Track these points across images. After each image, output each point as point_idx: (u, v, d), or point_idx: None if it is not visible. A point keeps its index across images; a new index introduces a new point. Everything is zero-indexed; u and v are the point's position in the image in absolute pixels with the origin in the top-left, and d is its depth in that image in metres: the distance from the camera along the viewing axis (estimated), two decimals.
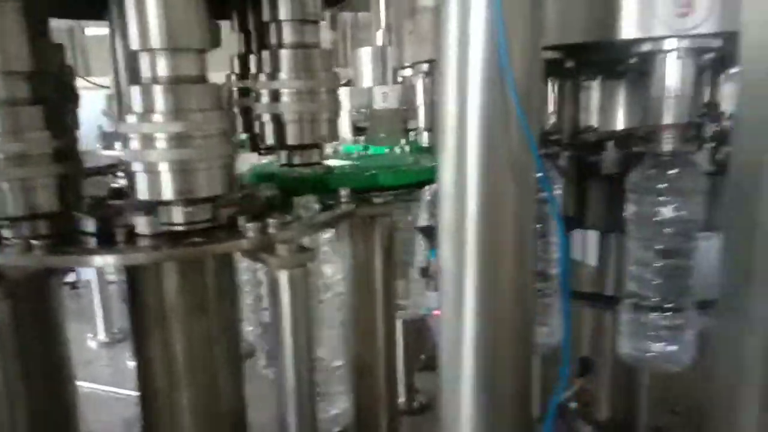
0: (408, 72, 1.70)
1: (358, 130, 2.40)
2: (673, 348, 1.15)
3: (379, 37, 2.61)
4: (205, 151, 0.85)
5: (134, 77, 0.89)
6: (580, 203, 1.28)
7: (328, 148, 1.72)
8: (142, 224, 0.87)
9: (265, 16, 1.07)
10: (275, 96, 1.09)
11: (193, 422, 1.02)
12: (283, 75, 1.08)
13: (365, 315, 1.23)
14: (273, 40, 1.08)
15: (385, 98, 2.26)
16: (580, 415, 1.56)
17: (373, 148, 1.84)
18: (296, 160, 1.16)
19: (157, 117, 0.82)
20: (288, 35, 1.07)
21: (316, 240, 1.18)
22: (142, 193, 0.86)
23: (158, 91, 0.82)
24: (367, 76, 2.57)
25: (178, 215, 0.88)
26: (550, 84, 1.30)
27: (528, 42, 0.71)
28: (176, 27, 0.81)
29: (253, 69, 1.14)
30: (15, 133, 0.83)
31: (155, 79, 0.83)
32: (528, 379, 0.84)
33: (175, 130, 0.82)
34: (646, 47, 0.94)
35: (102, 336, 3.08)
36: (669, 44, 0.92)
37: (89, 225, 0.88)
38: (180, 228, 0.88)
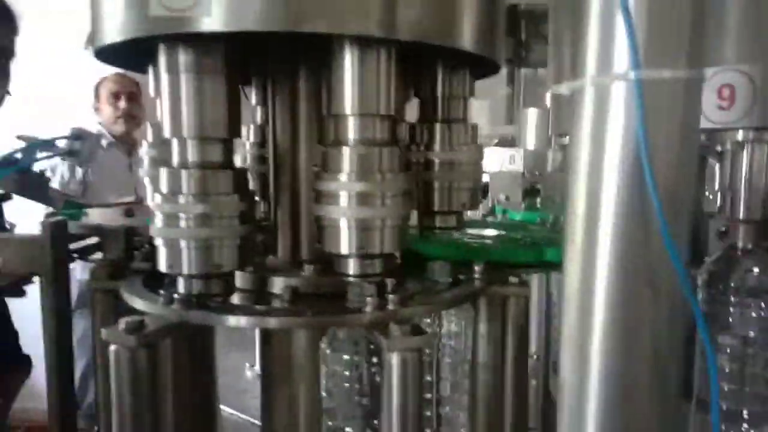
0: (567, 140, 1.60)
1: (529, 193, 2.32)
2: None
3: (548, 99, 2.51)
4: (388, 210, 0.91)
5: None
6: None
7: None
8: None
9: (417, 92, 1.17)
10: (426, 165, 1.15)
11: None
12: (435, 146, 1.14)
13: (493, 403, 1.14)
14: (428, 115, 1.16)
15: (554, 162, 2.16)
16: None
17: (523, 214, 1.74)
18: (437, 223, 1.19)
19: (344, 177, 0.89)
20: (439, 111, 1.14)
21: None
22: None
23: (348, 153, 0.89)
24: (530, 138, 2.48)
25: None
26: None
27: (677, 135, 0.61)
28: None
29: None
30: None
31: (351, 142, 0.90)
32: None
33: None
34: None
35: (258, 367, 3.29)
36: None
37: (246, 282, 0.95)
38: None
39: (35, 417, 3.42)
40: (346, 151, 0.89)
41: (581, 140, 0.65)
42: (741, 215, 0.98)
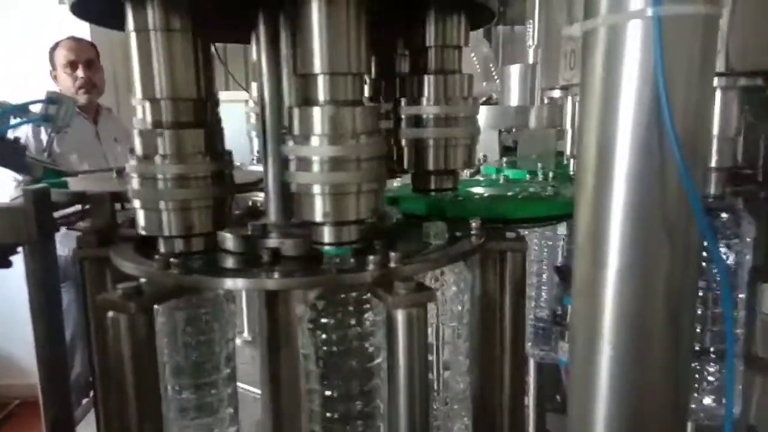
0: (557, 93, 1.59)
1: (506, 150, 2.32)
2: None
3: (531, 55, 2.49)
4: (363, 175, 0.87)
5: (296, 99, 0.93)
6: None
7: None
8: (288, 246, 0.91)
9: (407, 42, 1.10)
10: (416, 121, 1.09)
11: None
12: (424, 101, 1.08)
13: (490, 356, 1.15)
14: (414, 65, 1.09)
15: (538, 119, 2.15)
16: None
17: (513, 172, 1.73)
18: (432, 185, 1.15)
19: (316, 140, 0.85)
20: (431, 62, 1.07)
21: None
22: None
23: (318, 114, 0.85)
24: (514, 95, 2.46)
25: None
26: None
27: (696, 74, 0.59)
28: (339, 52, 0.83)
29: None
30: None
31: (316, 102, 0.85)
32: None
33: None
34: None
35: (246, 334, 3.28)
36: None
37: (233, 245, 0.92)
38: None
39: (22, 393, 3.40)
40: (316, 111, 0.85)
41: (594, 83, 0.63)
42: (713, 163, 0.98)
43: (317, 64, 0.84)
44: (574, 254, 0.70)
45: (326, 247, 0.92)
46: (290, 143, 0.88)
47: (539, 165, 1.63)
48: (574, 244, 0.70)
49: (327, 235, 0.91)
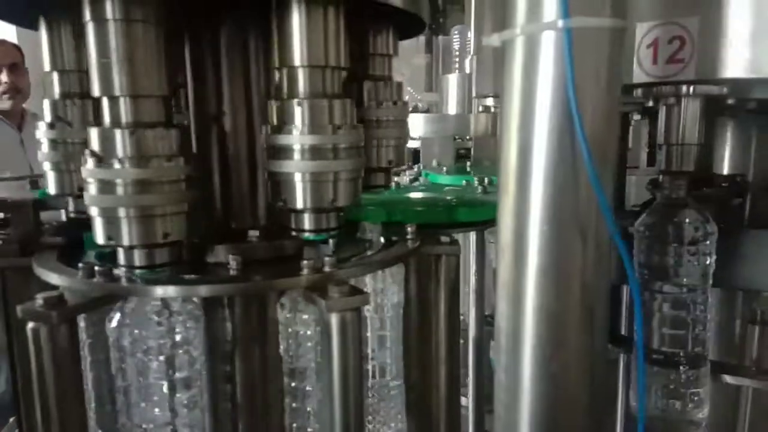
0: (490, 101, 1.64)
1: (460, 158, 2.36)
2: None
3: (467, 65, 2.56)
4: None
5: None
6: None
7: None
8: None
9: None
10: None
11: None
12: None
13: (426, 358, 1.17)
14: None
15: (477, 126, 2.20)
16: None
17: (450, 179, 1.77)
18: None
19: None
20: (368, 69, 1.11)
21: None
22: None
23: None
24: (452, 103, 2.52)
25: None
26: None
27: (603, 85, 0.63)
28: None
29: None
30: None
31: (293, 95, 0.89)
32: None
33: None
34: None
35: None
36: None
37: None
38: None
39: None
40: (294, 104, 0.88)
41: (512, 90, 0.67)
42: (674, 167, 1.03)
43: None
44: (498, 257, 0.73)
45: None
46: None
47: (474, 173, 1.68)
48: (497, 249, 0.73)
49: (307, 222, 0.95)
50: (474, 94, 1.84)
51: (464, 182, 1.69)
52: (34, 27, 0.98)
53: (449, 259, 1.14)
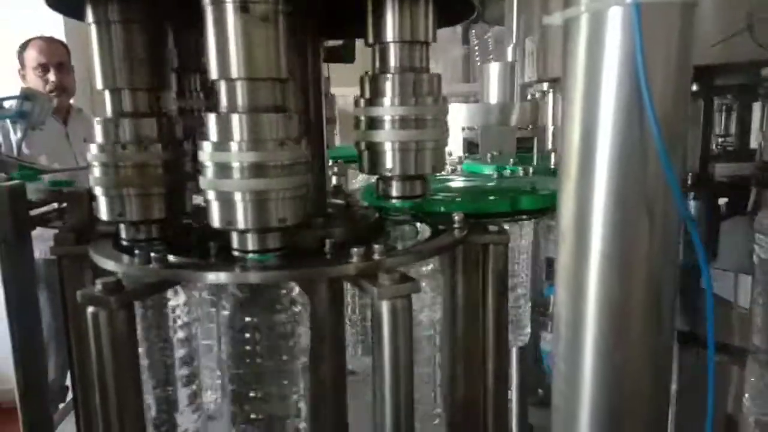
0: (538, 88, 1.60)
1: (471, 147, 2.31)
2: None
3: (509, 53, 2.51)
4: None
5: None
6: None
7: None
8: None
9: (370, 38, 0.97)
10: (373, 123, 0.97)
11: None
12: (386, 101, 0.96)
13: (473, 350, 1.16)
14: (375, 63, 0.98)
15: (505, 115, 2.14)
16: None
17: (479, 167, 1.73)
18: (393, 191, 1.03)
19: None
20: (393, 59, 0.95)
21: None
22: None
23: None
24: (493, 93, 2.48)
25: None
26: None
27: (674, 63, 0.60)
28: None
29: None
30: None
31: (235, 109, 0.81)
32: None
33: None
34: None
35: None
36: None
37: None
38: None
39: None
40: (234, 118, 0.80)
41: (576, 71, 0.64)
42: None
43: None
44: (557, 244, 0.71)
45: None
46: None
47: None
48: (558, 235, 0.71)
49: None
50: (522, 81, 1.78)
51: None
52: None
53: (497, 248, 1.12)
